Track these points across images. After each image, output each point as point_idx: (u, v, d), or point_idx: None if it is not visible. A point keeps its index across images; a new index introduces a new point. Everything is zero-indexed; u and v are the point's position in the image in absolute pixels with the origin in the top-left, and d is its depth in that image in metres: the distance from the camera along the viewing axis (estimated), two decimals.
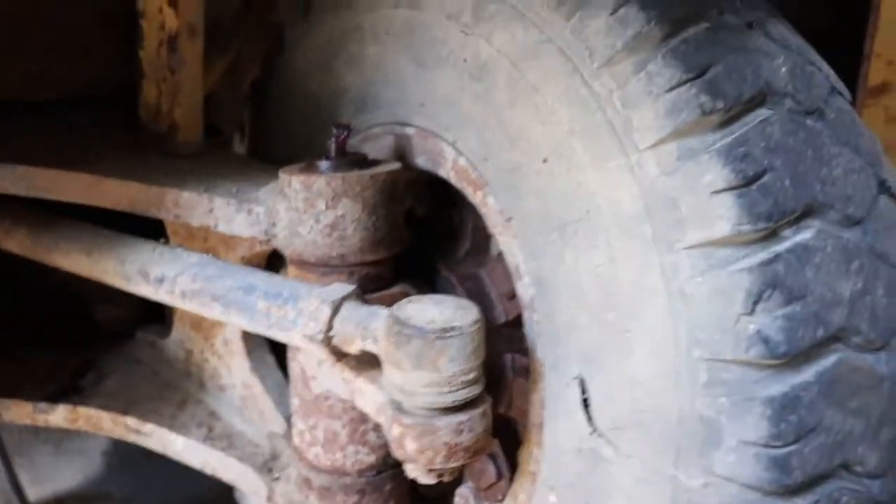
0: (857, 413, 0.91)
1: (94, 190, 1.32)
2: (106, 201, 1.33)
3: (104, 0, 1.47)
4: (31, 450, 2.32)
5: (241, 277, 1.18)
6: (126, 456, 2.32)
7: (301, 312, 1.10)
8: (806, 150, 0.92)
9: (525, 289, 1.11)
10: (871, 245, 0.95)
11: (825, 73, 1.04)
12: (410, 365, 0.97)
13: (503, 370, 1.29)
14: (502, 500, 1.27)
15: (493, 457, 1.36)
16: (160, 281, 1.24)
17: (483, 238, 1.32)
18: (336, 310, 1.08)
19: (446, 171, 1.24)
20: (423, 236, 1.42)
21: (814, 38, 1.13)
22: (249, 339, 1.49)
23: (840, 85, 1.06)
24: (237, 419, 1.53)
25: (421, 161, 1.28)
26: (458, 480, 1.41)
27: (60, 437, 2.35)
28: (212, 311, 1.19)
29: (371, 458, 1.30)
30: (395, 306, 1.01)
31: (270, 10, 1.60)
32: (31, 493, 2.08)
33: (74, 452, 2.33)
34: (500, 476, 1.34)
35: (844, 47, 1.65)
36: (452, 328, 0.96)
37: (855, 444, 0.92)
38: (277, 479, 1.41)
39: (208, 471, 1.48)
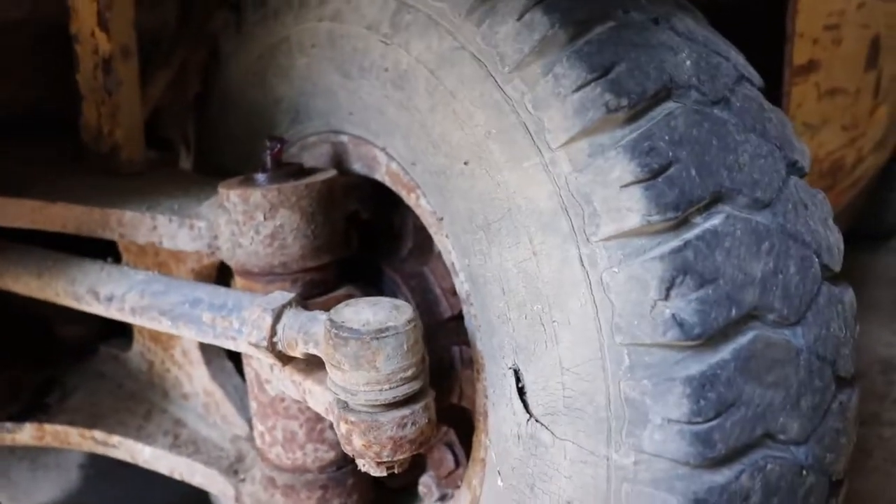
0: (775, 385, 0.96)
1: (40, 214, 1.34)
2: (53, 225, 1.36)
3: (38, 24, 1.49)
4: (8, 467, 2.35)
5: (187, 292, 1.22)
6: (102, 467, 2.35)
7: (245, 322, 1.13)
8: (711, 140, 0.96)
9: (461, 285, 1.15)
10: (781, 226, 0.99)
11: (733, 61, 1.08)
12: (350, 366, 1.00)
13: (452, 362, 1.33)
14: (460, 486, 1.31)
15: (450, 446, 1.41)
16: (109, 299, 1.27)
17: (425, 237, 1.36)
18: (277, 317, 1.11)
19: (381, 176, 1.27)
20: (368, 239, 1.46)
21: (739, 19, 1.17)
22: (206, 348, 1.53)
23: (749, 71, 1.11)
24: (202, 425, 1.56)
25: (357, 167, 1.32)
26: (421, 470, 1.46)
27: (37, 453, 2.37)
28: (161, 326, 1.22)
29: (331, 455, 1.35)
30: (332, 310, 1.05)
31: (207, 23, 1.62)
32: None
33: (51, 467, 2.36)
34: (457, 464, 1.39)
35: (774, 27, 1.70)
36: (387, 328, 1.00)
37: (775, 414, 0.96)
38: (243, 480, 1.45)
39: (176, 476, 1.51)
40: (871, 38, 2.27)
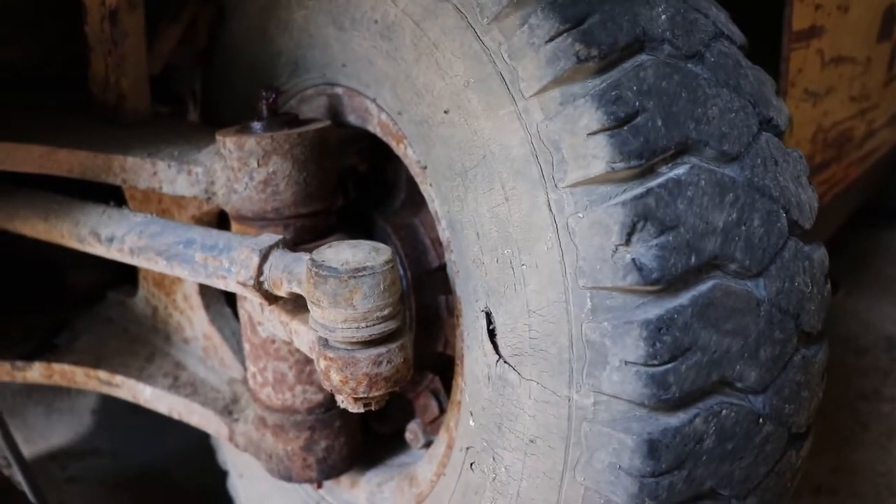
0: (733, 333, 0.99)
1: (47, 160, 1.39)
2: (59, 170, 1.41)
3: None
4: (24, 410, 2.44)
5: (181, 233, 1.26)
6: (114, 412, 2.44)
7: (234, 261, 1.18)
8: (681, 92, 0.99)
9: (443, 232, 1.19)
10: (748, 179, 1.02)
11: (712, 18, 1.10)
12: (328, 303, 1.05)
13: (438, 310, 1.38)
14: None
15: (435, 393, 1.46)
16: (110, 240, 1.32)
17: (417, 189, 1.40)
18: (265, 257, 1.16)
19: (373, 127, 1.31)
20: (364, 190, 1.51)
21: None
22: (206, 293, 1.59)
23: (730, 29, 1.12)
24: (200, 368, 1.62)
25: (352, 118, 1.36)
26: (409, 417, 1.51)
27: (52, 398, 2.47)
28: (157, 266, 1.27)
29: (319, 397, 1.40)
30: (314, 251, 1.09)
31: None
32: (26, 451, 2.19)
33: (65, 411, 2.45)
34: (442, 411, 1.44)
35: None
36: (364, 268, 1.04)
37: (732, 362, 1.00)
38: (237, 420, 1.50)
39: (175, 416, 1.58)
40: (885, 8, 2.26)
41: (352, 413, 1.38)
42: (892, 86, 2.58)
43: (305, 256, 1.12)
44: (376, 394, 1.10)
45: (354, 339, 1.07)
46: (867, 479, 2.25)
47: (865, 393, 2.64)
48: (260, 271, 1.16)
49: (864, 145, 2.50)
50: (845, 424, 2.48)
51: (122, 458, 2.30)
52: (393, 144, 1.27)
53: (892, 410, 2.54)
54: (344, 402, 1.12)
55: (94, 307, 1.83)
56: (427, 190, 1.21)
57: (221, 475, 1.89)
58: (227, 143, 1.28)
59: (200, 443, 1.91)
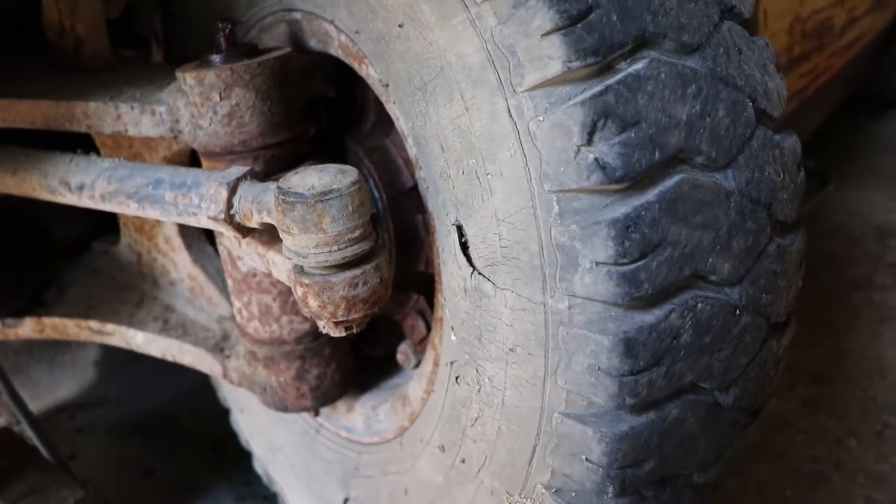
0: (703, 227, 0.99)
1: (8, 112, 1.38)
2: (22, 121, 1.40)
3: None
4: (27, 367, 2.47)
5: (150, 174, 1.26)
6: (116, 362, 2.47)
7: (203, 197, 1.18)
8: None
9: (410, 149, 1.18)
10: (711, 69, 1.00)
11: None
12: (298, 229, 1.05)
13: (416, 230, 1.38)
14: None
15: (421, 313, 1.47)
16: (80, 188, 1.32)
17: (385, 110, 1.38)
18: (233, 190, 1.16)
19: (334, 50, 1.29)
20: (335, 116, 1.49)
21: None
22: (186, 234, 1.59)
23: None
24: (189, 308, 1.63)
25: (313, 43, 1.33)
26: (399, 338, 1.52)
27: (54, 353, 2.50)
28: (129, 209, 1.27)
29: (306, 326, 1.41)
30: (281, 179, 1.08)
31: None
32: (33, 406, 2.22)
33: (68, 365, 2.48)
34: (429, 330, 1.44)
35: None
36: (330, 191, 1.03)
37: (704, 255, 0.99)
38: (228, 356, 1.52)
39: (168, 358, 1.59)
40: None
41: (340, 339, 1.40)
42: None
43: (273, 185, 1.12)
44: (356, 316, 1.10)
45: (328, 263, 1.07)
46: (859, 365, 2.28)
47: (857, 282, 2.65)
48: (230, 204, 1.16)
49: (845, 34, 2.46)
50: (838, 314, 2.51)
51: (129, 405, 2.33)
52: (355, 65, 1.25)
53: (882, 297, 2.56)
54: (325, 327, 1.13)
55: (80, 259, 1.83)
56: (391, 108, 1.19)
57: (225, 413, 1.92)
58: (188, 78, 1.26)
59: (203, 383, 1.94)
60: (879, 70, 3.37)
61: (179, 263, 1.62)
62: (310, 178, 1.06)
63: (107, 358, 2.50)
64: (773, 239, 1.07)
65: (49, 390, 2.40)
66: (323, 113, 1.52)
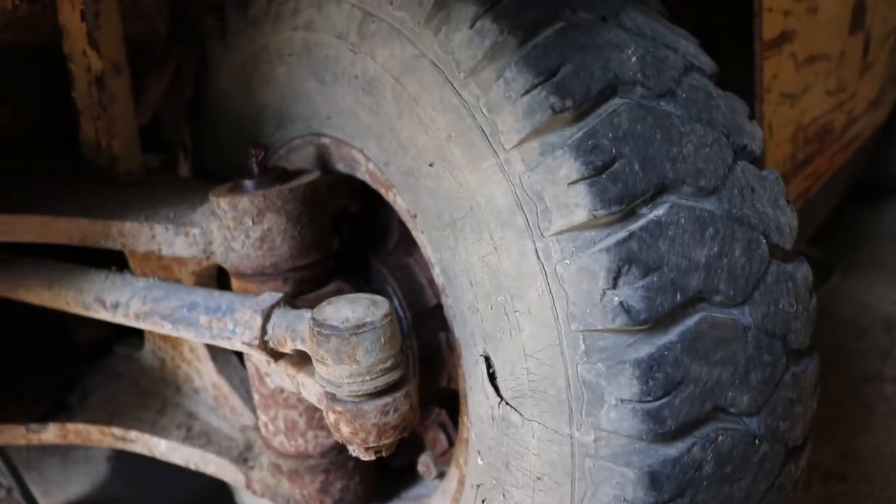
0: (723, 362, 1.02)
1: (47, 229, 1.43)
2: (59, 238, 1.44)
3: (31, 45, 1.57)
4: (40, 463, 2.46)
5: (184, 296, 1.30)
6: (130, 458, 2.45)
7: (238, 322, 1.22)
8: (655, 134, 1.02)
9: (437, 277, 1.22)
10: (727, 211, 1.05)
11: (682, 52, 1.13)
12: (332, 360, 1.09)
13: (439, 347, 1.41)
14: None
15: (443, 426, 1.49)
16: (115, 306, 1.36)
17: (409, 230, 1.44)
18: (267, 317, 1.20)
19: (362, 175, 1.34)
20: (358, 232, 1.54)
21: None
22: (212, 345, 1.62)
23: (700, 59, 1.16)
24: (212, 417, 1.66)
25: (340, 166, 1.39)
26: (420, 449, 1.55)
27: (66, 449, 2.49)
28: (163, 329, 1.31)
29: (331, 441, 1.44)
30: (315, 309, 1.13)
31: (196, 30, 1.69)
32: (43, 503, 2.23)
33: (81, 461, 2.47)
34: (451, 443, 1.47)
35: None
36: (364, 324, 1.08)
37: (724, 389, 1.03)
38: (252, 467, 1.54)
39: (192, 466, 1.61)
40: (853, 2, 2.29)
41: None
42: (868, 73, 2.62)
43: (307, 314, 1.16)
44: (386, 441, 1.13)
45: (360, 393, 1.10)
46: (875, 462, 2.29)
47: (868, 375, 2.67)
48: (264, 331, 1.20)
49: (845, 134, 2.54)
50: (850, 409, 2.52)
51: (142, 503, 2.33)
52: (382, 192, 1.31)
53: (894, 392, 2.58)
54: (355, 451, 1.16)
55: (103, 362, 1.86)
56: (419, 237, 1.24)
57: None
58: (222, 203, 1.31)
59: (219, 485, 1.94)
60: (877, 162, 3.45)
61: (204, 372, 1.65)
62: (343, 311, 1.10)
63: (120, 455, 2.49)
64: (789, 368, 1.11)
65: (61, 487, 2.39)
66: (346, 228, 1.57)
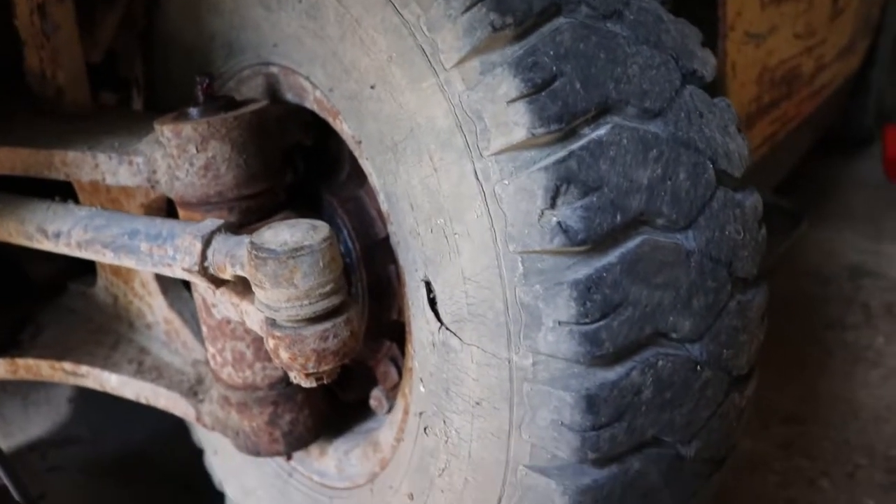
0: (664, 287, 1.02)
1: None
2: (2, 168, 1.41)
3: None
4: (1, 404, 2.46)
5: (126, 224, 1.28)
6: (91, 400, 2.46)
7: (178, 249, 1.20)
8: (599, 53, 1.00)
9: (382, 204, 1.21)
10: (672, 134, 1.04)
11: None
12: (270, 284, 1.07)
13: (389, 280, 1.40)
14: None
15: (394, 360, 1.48)
16: (57, 236, 1.33)
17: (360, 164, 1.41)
18: (207, 243, 1.18)
19: (310, 104, 1.32)
20: (310, 167, 1.52)
21: None
22: (163, 278, 1.60)
23: None
24: (164, 352, 1.64)
25: (289, 96, 1.36)
26: (372, 384, 1.54)
27: (27, 390, 2.48)
28: (105, 258, 1.29)
29: (279, 372, 1.42)
30: (254, 234, 1.11)
31: None
32: (4, 444, 2.22)
33: (42, 402, 2.47)
34: (401, 377, 1.46)
35: None
36: (302, 247, 1.06)
37: (665, 314, 1.02)
38: (202, 400, 1.53)
39: (142, 400, 1.60)
40: None
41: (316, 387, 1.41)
42: (839, 19, 2.60)
43: (247, 239, 1.14)
44: (326, 368, 1.12)
45: (299, 317, 1.09)
46: (833, 406, 2.31)
47: (830, 322, 2.70)
48: (203, 257, 1.18)
49: (814, 81, 2.53)
50: (811, 354, 2.54)
51: (102, 444, 2.32)
52: (330, 120, 1.28)
53: (855, 337, 2.60)
54: (296, 377, 1.15)
55: (57, 299, 1.84)
56: (365, 164, 1.22)
57: (199, 453, 1.92)
58: (165, 131, 1.28)
59: (177, 424, 1.93)
60: (848, 112, 3.45)
61: (155, 307, 1.63)
62: (282, 234, 1.08)
63: (81, 396, 2.49)
64: (734, 296, 1.10)
65: (22, 428, 2.39)
66: (300, 162, 1.54)
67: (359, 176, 1.45)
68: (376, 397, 1.52)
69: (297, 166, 1.54)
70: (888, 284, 2.88)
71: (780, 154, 2.48)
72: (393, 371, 1.48)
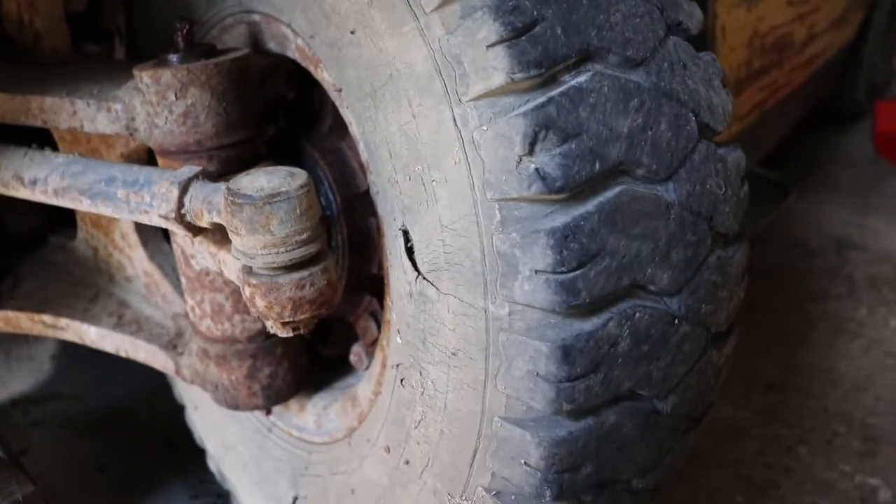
0: (642, 237, 1.01)
1: None
2: None
3: None
4: None
5: (103, 171, 1.26)
6: (73, 357, 2.46)
7: (155, 195, 1.18)
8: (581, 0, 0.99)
9: (362, 153, 1.19)
10: (654, 84, 1.02)
11: None
12: (246, 230, 1.06)
13: (370, 233, 1.39)
14: None
15: (374, 315, 1.48)
16: (34, 183, 1.32)
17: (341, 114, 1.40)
18: (184, 189, 1.16)
19: (292, 53, 1.30)
20: (293, 118, 1.50)
21: None
22: (143, 231, 1.59)
23: None
24: (144, 305, 1.63)
25: (272, 45, 1.34)
26: (352, 339, 1.53)
27: (10, 345, 2.48)
28: (82, 205, 1.27)
29: (258, 325, 1.42)
30: (231, 180, 1.09)
31: None
32: None
33: (24, 358, 2.46)
34: (380, 331, 1.46)
35: None
36: (279, 193, 1.04)
37: (643, 265, 1.02)
38: (181, 353, 1.52)
39: (122, 354, 1.59)
40: None
41: (293, 339, 1.41)
42: None
43: (224, 186, 1.13)
44: (302, 317, 1.11)
45: (275, 265, 1.08)
46: (813, 375, 2.32)
47: (814, 294, 2.70)
48: (180, 203, 1.16)
49: (805, 50, 2.51)
50: (794, 324, 2.55)
51: (85, 400, 2.32)
52: (311, 69, 1.27)
53: (838, 309, 2.61)
54: (272, 327, 1.14)
55: (36, 252, 1.82)
56: (345, 112, 1.21)
57: (181, 410, 1.92)
58: (144, 77, 1.26)
59: (158, 380, 1.93)
60: (840, 86, 3.43)
61: (135, 260, 1.62)
62: (259, 181, 1.07)
63: (63, 353, 2.49)
64: (714, 251, 1.10)
65: (3, 384, 2.38)
66: (282, 114, 1.53)
67: (340, 128, 1.44)
68: (356, 353, 1.51)
69: (279, 119, 1.52)
70: (873, 257, 2.89)
71: (769, 123, 2.46)
72: (373, 326, 1.47)
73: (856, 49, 3.33)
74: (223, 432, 1.74)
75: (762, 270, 2.73)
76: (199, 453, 1.90)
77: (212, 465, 1.88)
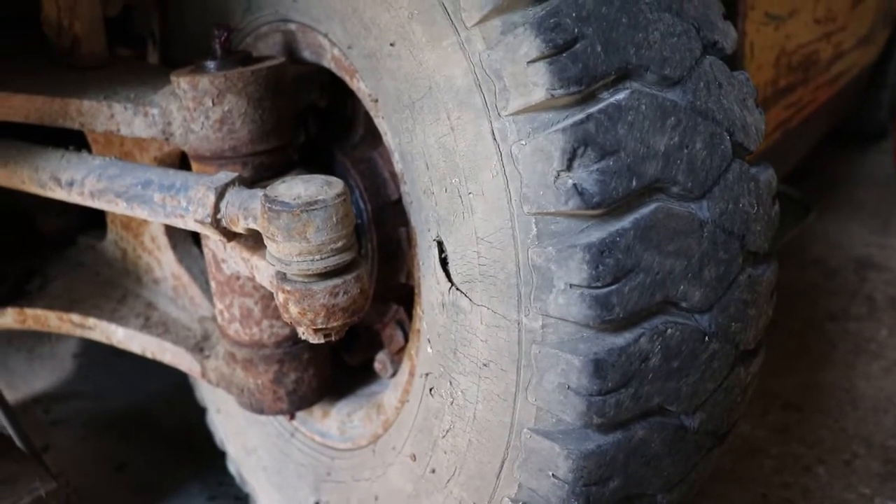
0: (676, 255, 1.01)
1: (3, 105, 1.40)
2: (16, 115, 1.41)
3: None
4: (6, 357, 2.47)
5: (139, 174, 1.28)
6: (95, 356, 2.48)
7: (191, 200, 1.20)
8: (621, 18, 0.99)
9: (396, 164, 1.21)
10: (691, 103, 1.03)
11: None
12: (282, 237, 1.07)
13: (399, 242, 1.40)
14: None
15: (400, 324, 1.49)
16: (70, 184, 1.34)
17: (374, 123, 1.41)
18: (221, 195, 1.18)
19: (327, 62, 1.31)
20: (325, 126, 1.52)
21: None
22: (172, 233, 1.61)
23: None
24: (171, 307, 1.65)
25: (307, 54, 1.36)
26: (377, 347, 1.54)
27: (33, 344, 2.50)
28: (118, 207, 1.29)
29: (286, 331, 1.43)
30: (269, 187, 1.11)
31: None
32: (9, 396, 2.22)
33: (47, 356, 2.49)
34: (407, 341, 1.47)
35: None
36: (316, 202, 1.06)
37: (676, 282, 1.02)
38: (208, 356, 1.54)
39: (148, 355, 1.61)
40: None
41: (319, 345, 1.42)
42: (860, 7, 2.58)
43: (260, 192, 1.14)
44: (335, 324, 1.13)
45: (310, 272, 1.09)
46: (832, 394, 2.32)
47: (834, 313, 2.69)
48: (216, 209, 1.18)
49: (831, 68, 2.51)
50: (814, 343, 2.55)
51: (106, 399, 2.34)
52: (347, 79, 1.28)
53: (858, 329, 2.60)
54: (304, 333, 1.15)
55: (66, 252, 1.85)
56: (380, 123, 1.22)
57: (201, 412, 1.93)
58: (182, 83, 1.28)
59: (180, 381, 1.95)
60: (863, 106, 3.43)
61: (164, 262, 1.64)
62: (296, 188, 1.08)
63: (86, 352, 2.51)
64: (745, 269, 1.10)
65: (26, 381, 2.40)
66: (313, 122, 1.54)
67: (373, 137, 1.45)
68: (381, 361, 1.52)
69: (310, 126, 1.54)
70: (893, 277, 2.88)
71: (793, 141, 2.47)
72: (399, 335, 1.48)
73: (880, 68, 3.33)
74: (245, 436, 1.75)
75: (782, 288, 2.72)
76: (218, 455, 1.91)
77: (232, 468, 1.89)
